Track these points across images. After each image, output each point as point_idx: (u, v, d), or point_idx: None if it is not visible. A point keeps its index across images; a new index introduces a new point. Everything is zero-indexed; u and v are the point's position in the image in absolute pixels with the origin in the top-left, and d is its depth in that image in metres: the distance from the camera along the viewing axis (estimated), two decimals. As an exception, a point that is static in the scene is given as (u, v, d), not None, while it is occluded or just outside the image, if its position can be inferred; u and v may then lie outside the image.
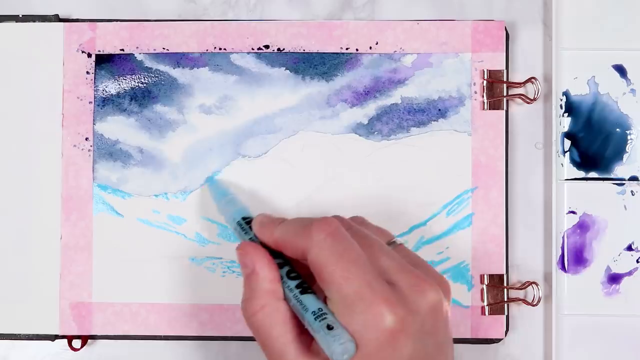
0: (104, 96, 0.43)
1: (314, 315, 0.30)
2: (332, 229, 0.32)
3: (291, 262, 0.34)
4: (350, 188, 0.42)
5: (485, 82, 0.42)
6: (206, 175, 0.43)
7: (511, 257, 0.43)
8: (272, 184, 0.42)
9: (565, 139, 0.42)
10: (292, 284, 0.33)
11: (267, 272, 0.33)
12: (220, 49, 0.43)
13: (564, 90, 0.43)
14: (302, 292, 0.32)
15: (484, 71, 0.42)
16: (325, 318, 0.30)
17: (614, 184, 0.42)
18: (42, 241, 0.42)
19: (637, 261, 0.42)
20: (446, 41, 0.42)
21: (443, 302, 0.31)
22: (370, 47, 0.43)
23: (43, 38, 0.43)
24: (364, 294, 0.30)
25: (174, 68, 0.43)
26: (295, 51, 0.43)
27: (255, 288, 0.33)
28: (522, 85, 0.43)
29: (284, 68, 0.43)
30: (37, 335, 0.42)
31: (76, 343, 0.42)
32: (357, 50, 0.43)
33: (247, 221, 0.37)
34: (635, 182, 0.42)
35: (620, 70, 0.43)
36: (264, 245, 0.35)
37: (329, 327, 0.29)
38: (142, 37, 0.43)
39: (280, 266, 0.34)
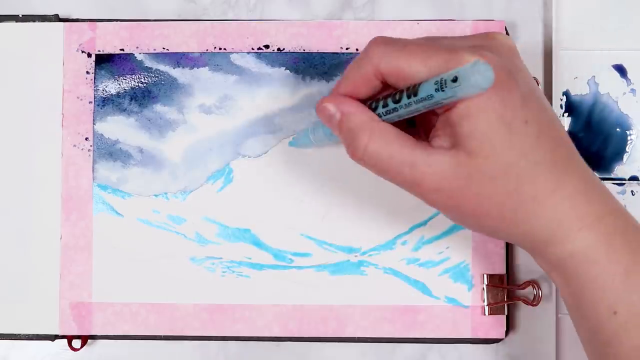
0: (104, 96, 0.43)
1: (435, 84, 0.29)
2: (382, 39, 0.32)
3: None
4: (350, 187, 0.42)
5: (485, 82, 0.42)
6: (206, 175, 0.43)
7: (511, 257, 0.43)
8: (272, 183, 0.42)
9: (565, 139, 0.42)
10: (389, 101, 0.32)
11: (355, 105, 0.33)
12: (220, 48, 0.43)
13: (564, 90, 0.43)
14: (413, 91, 0.31)
15: (484, 71, 0.42)
16: (444, 79, 0.29)
17: (614, 184, 0.42)
18: (42, 241, 0.42)
19: (637, 261, 0.42)
20: (446, 41, 0.42)
21: (514, 44, 0.33)
22: (370, 47, 0.43)
23: (43, 38, 0.43)
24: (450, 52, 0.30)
25: (174, 68, 0.43)
26: (295, 51, 0.43)
27: (352, 127, 0.32)
28: (522, 85, 0.43)
29: (284, 68, 0.43)
30: (37, 335, 0.42)
31: (76, 343, 0.42)
32: (357, 50, 0.43)
33: None
34: (635, 182, 0.42)
35: (620, 70, 0.43)
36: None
37: (454, 80, 0.28)
38: (142, 37, 0.43)
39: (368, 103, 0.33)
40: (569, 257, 0.32)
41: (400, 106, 0.31)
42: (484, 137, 0.30)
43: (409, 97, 0.31)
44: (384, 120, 0.33)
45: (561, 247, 0.32)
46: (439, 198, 0.32)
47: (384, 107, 0.32)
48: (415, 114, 0.32)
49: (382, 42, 0.32)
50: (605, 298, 0.32)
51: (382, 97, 0.33)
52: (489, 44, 0.32)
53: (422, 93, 0.30)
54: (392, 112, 0.32)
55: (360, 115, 0.33)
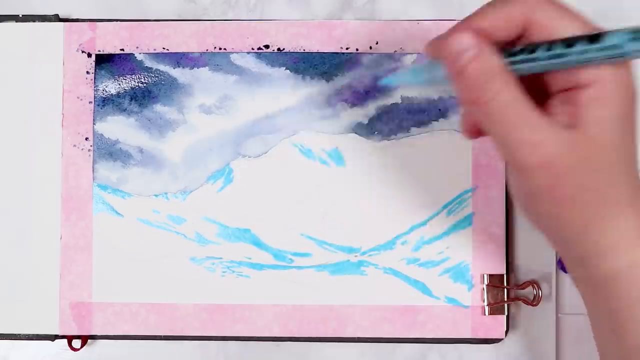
0: (104, 96, 0.43)
1: (631, 34, 0.27)
2: None
3: None
4: (350, 188, 0.42)
5: (485, 82, 0.42)
6: (206, 175, 0.43)
7: (511, 257, 0.43)
8: (272, 183, 0.42)
9: (565, 138, 0.42)
10: (540, 49, 0.29)
11: (489, 46, 0.29)
12: (220, 48, 0.43)
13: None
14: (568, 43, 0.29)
15: (484, 71, 0.42)
16: (605, 33, 0.27)
17: (614, 183, 0.42)
18: (42, 241, 0.42)
19: (637, 261, 0.42)
20: (446, 41, 0.42)
21: None
22: (370, 47, 0.43)
23: (43, 38, 0.43)
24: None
25: (174, 68, 0.43)
26: (295, 51, 0.43)
27: (487, 69, 0.29)
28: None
29: (284, 68, 0.43)
30: (37, 335, 0.42)
31: (76, 343, 0.42)
32: (357, 50, 0.43)
33: None
34: (636, 182, 0.42)
35: (621, 70, 0.43)
36: None
37: (633, 30, 0.27)
38: (142, 37, 0.43)
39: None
40: (622, 270, 0.30)
41: (563, 54, 0.29)
42: (609, 126, 0.29)
43: (588, 43, 0.28)
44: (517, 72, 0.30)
45: (616, 260, 0.30)
46: (541, 173, 0.29)
47: (530, 53, 0.29)
48: (555, 69, 0.29)
49: (549, 2, 0.29)
50: None
51: (531, 44, 0.30)
52: None
53: (608, 42, 0.28)
54: (528, 62, 0.29)
55: (496, 59, 0.29)
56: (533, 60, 0.29)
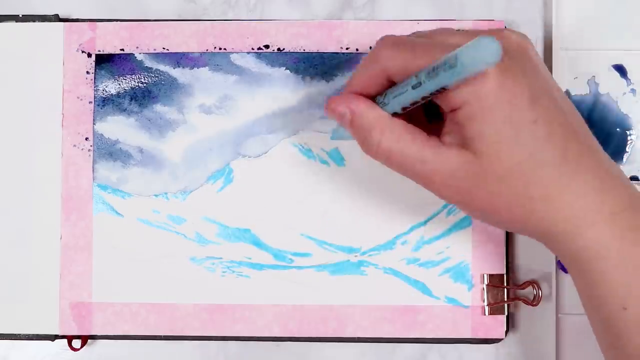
0: (104, 96, 0.43)
1: (445, 63, 0.29)
2: (390, 39, 0.33)
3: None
4: (350, 188, 0.42)
5: (485, 82, 0.42)
6: (206, 175, 0.43)
7: (511, 257, 0.43)
8: (272, 183, 0.42)
9: (565, 138, 0.42)
10: (397, 88, 0.32)
11: (363, 103, 0.33)
12: (220, 48, 0.43)
13: (564, 90, 0.43)
14: (429, 74, 0.30)
15: (484, 71, 0.42)
16: (453, 57, 0.28)
17: (614, 184, 0.42)
18: (42, 241, 0.42)
19: (637, 261, 0.42)
20: (446, 41, 0.42)
21: (527, 42, 0.33)
22: (370, 47, 0.43)
23: (43, 38, 0.43)
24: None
25: (174, 68, 0.43)
26: (295, 51, 0.43)
27: (364, 123, 0.33)
28: (522, 85, 0.43)
29: (284, 68, 0.43)
30: (37, 335, 0.42)
31: (76, 343, 0.42)
32: (357, 50, 0.43)
33: None
34: (636, 182, 0.42)
35: (620, 70, 0.43)
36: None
37: (451, 65, 0.28)
38: (142, 37, 0.43)
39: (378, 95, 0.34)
40: (581, 252, 0.32)
41: (402, 93, 0.32)
42: (490, 139, 0.30)
43: (410, 80, 0.31)
44: (394, 114, 0.33)
45: (573, 243, 0.32)
46: (450, 194, 0.33)
47: (387, 96, 0.33)
48: (420, 101, 0.32)
49: (390, 44, 0.32)
50: (615, 294, 0.32)
51: (390, 90, 0.33)
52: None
53: (442, 68, 0.29)
54: (394, 100, 0.32)
55: (371, 113, 0.33)
56: (400, 94, 0.32)
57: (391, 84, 0.33)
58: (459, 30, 0.35)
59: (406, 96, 0.32)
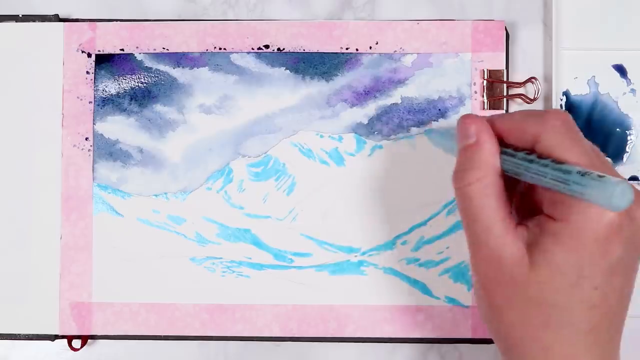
0: (104, 96, 0.43)
1: (579, 173, 0.28)
2: (567, 119, 0.31)
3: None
4: (350, 188, 0.42)
5: (485, 82, 0.42)
6: (206, 175, 0.43)
7: (511, 257, 0.43)
8: (271, 183, 0.42)
9: (565, 139, 0.42)
10: (532, 156, 0.31)
11: (491, 144, 0.32)
12: (220, 48, 0.43)
13: (564, 90, 0.43)
14: (556, 162, 0.30)
15: (484, 71, 0.42)
16: (591, 173, 0.28)
17: (614, 184, 0.42)
18: (42, 241, 0.42)
19: (637, 261, 0.42)
20: (446, 41, 0.42)
21: None
22: (370, 47, 0.43)
23: (43, 38, 0.43)
24: None
25: (174, 68, 0.43)
26: (295, 51, 0.43)
27: (476, 159, 0.32)
28: (522, 85, 0.43)
29: (284, 68, 0.43)
30: (37, 335, 0.42)
31: (76, 343, 0.42)
32: (357, 50, 0.43)
33: None
34: (636, 182, 0.42)
35: (620, 70, 0.43)
36: None
37: (600, 176, 0.28)
38: (142, 37, 0.43)
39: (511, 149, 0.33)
40: None
41: (531, 162, 0.31)
42: (551, 267, 0.30)
43: (546, 160, 0.30)
44: (507, 171, 0.32)
45: None
46: (481, 270, 0.32)
47: (517, 154, 0.32)
48: (535, 182, 0.31)
49: (563, 131, 0.31)
50: None
51: (522, 149, 0.32)
52: (634, 206, 0.30)
53: (563, 167, 0.29)
54: (521, 163, 0.32)
55: (488, 154, 0.32)
56: (513, 156, 0.32)
57: (531, 148, 0.32)
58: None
59: (533, 170, 0.31)
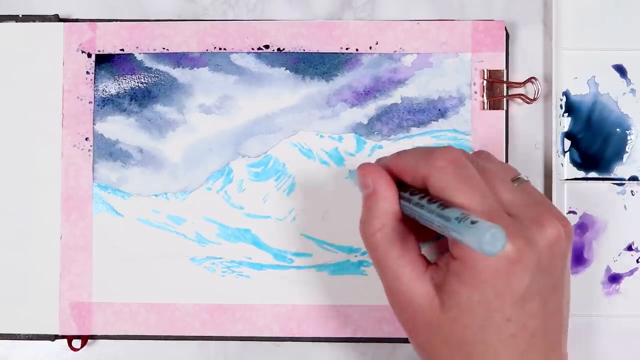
0: (104, 96, 0.43)
1: (457, 219, 0.29)
2: (454, 157, 0.31)
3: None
4: (350, 187, 0.42)
5: (485, 82, 0.42)
6: (206, 175, 0.43)
7: (511, 257, 0.43)
8: (271, 183, 0.42)
9: (565, 139, 0.42)
10: (424, 200, 0.31)
11: (388, 192, 0.33)
12: (220, 49, 0.43)
13: (564, 90, 0.43)
14: (442, 207, 0.30)
15: (484, 71, 0.42)
16: (467, 219, 0.28)
17: (614, 184, 0.42)
18: (42, 241, 0.42)
19: (637, 261, 0.42)
20: (446, 41, 0.42)
21: (562, 241, 0.31)
22: (370, 47, 0.43)
23: (43, 38, 0.43)
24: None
25: (174, 68, 0.43)
26: (295, 51, 0.43)
27: (375, 208, 0.33)
28: (522, 85, 0.43)
29: (284, 68, 0.43)
30: (37, 335, 0.42)
31: (76, 343, 0.42)
32: (357, 50, 0.43)
33: None
34: (635, 182, 0.42)
35: (620, 70, 0.43)
36: None
37: (473, 222, 0.28)
38: (142, 37, 0.43)
39: (403, 190, 0.33)
40: None
41: (422, 208, 0.31)
42: (460, 306, 0.30)
43: (433, 205, 0.31)
44: (408, 215, 0.33)
45: None
46: (399, 315, 0.33)
47: (412, 199, 0.32)
48: (428, 226, 0.31)
49: (450, 171, 0.31)
50: None
51: (419, 191, 0.33)
52: (533, 231, 0.31)
53: (446, 212, 0.30)
54: (414, 208, 0.32)
55: (386, 203, 0.33)
56: (409, 201, 0.32)
57: (423, 186, 0.32)
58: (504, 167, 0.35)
59: (424, 216, 0.31)
